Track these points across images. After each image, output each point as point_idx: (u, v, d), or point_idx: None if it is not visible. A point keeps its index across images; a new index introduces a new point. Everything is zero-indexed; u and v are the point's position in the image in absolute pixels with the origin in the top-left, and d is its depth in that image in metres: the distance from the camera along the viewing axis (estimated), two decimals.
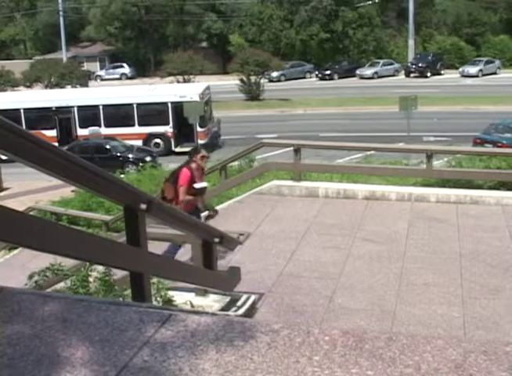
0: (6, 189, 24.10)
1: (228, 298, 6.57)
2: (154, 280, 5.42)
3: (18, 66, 46.77)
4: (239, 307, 6.40)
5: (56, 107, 30.49)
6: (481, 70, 50.49)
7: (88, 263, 5.38)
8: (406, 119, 21.61)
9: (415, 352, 2.36)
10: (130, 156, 26.74)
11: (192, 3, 59.02)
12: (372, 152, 17.25)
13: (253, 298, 6.66)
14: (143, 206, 3.82)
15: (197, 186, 7.90)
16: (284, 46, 55.43)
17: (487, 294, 6.75)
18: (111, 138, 28.29)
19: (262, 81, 43.38)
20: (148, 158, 25.48)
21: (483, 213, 9.59)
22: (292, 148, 11.24)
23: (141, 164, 22.94)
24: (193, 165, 7.94)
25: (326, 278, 7.31)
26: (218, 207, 11.27)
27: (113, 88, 37.24)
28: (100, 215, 14.21)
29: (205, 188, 8.21)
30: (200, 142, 27.02)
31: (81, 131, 30.19)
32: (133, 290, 4.01)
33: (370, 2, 55.88)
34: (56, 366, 2.34)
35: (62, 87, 41.56)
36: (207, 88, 32.04)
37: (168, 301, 5.70)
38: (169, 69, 42.71)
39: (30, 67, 45.14)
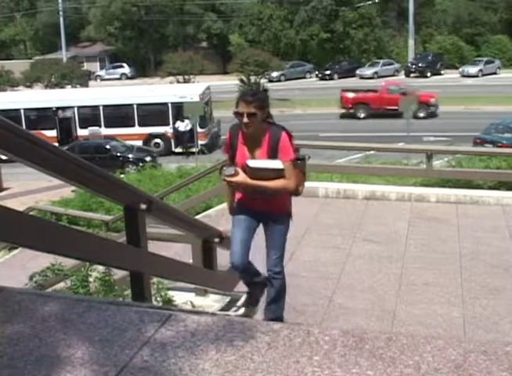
0: (6, 189, 24.11)
1: (228, 298, 6.57)
2: (154, 280, 5.42)
3: (18, 66, 46.80)
4: (240, 307, 6.40)
5: (56, 107, 30.50)
6: (481, 70, 50.48)
7: (88, 263, 5.38)
8: (406, 119, 21.64)
9: (415, 352, 2.36)
10: (130, 156, 26.75)
11: (192, 3, 59.02)
12: (372, 152, 17.24)
13: None
14: (143, 206, 3.82)
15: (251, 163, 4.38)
16: (284, 46, 55.40)
17: (487, 294, 6.74)
18: (111, 138, 28.30)
19: (262, 81, 43.36)
20: (148, 158, 25.50)
21: (483, 213, 9.57)
22: None
23: (141, 164, 22.96)
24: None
25: (326, 278, 7.30)
26: (217, 208, 11.29)
27: (113, 89, 37.23)
28: (100, 215, 14.20)
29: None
30: (200, 142, 27.06)
31: (81, 132, 30.21)
32: (133, 290, 4.02)
33: (370, 2, 55.86)
34: (56, 366, 2.34)
35: (62, 87, 41.59)
36: (208, 88, 32.05)
37: (168, 301, 5.70)
38: (169, 69, 42.70)
39: (30, 67, 45.17)
